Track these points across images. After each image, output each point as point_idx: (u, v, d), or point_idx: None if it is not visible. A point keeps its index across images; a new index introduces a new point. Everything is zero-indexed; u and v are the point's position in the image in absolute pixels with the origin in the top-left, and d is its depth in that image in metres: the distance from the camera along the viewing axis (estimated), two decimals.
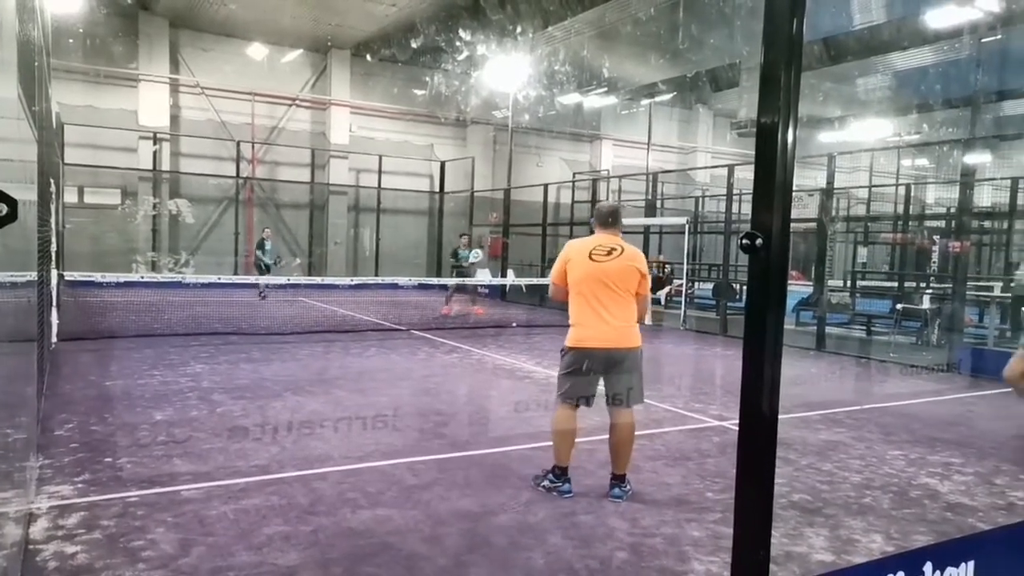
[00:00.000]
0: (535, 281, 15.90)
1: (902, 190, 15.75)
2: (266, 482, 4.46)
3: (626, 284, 4.37)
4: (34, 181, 4.65)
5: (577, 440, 4.54)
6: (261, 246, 16.12)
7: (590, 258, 4.37)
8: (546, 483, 4.49)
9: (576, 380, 4.37)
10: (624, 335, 4.36)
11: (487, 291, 17.89)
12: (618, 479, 4.48)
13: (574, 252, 4.43)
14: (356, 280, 17.01)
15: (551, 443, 4.52)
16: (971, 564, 2.16)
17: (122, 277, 13.91)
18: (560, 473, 4.46)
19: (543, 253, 18.52)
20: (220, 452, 5.05)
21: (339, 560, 3.44)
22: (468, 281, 14.78)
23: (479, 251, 14.91)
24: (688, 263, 15.70)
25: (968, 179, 11.43)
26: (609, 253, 4.37)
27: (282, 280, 14.39)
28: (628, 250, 4.42)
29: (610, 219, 4.49)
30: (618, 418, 4.42)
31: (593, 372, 4.37)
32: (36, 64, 4.71)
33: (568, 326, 4.49)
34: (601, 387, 4.46)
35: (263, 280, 15.08)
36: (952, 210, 13.44)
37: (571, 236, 20.19)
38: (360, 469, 4.80)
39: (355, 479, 4.60)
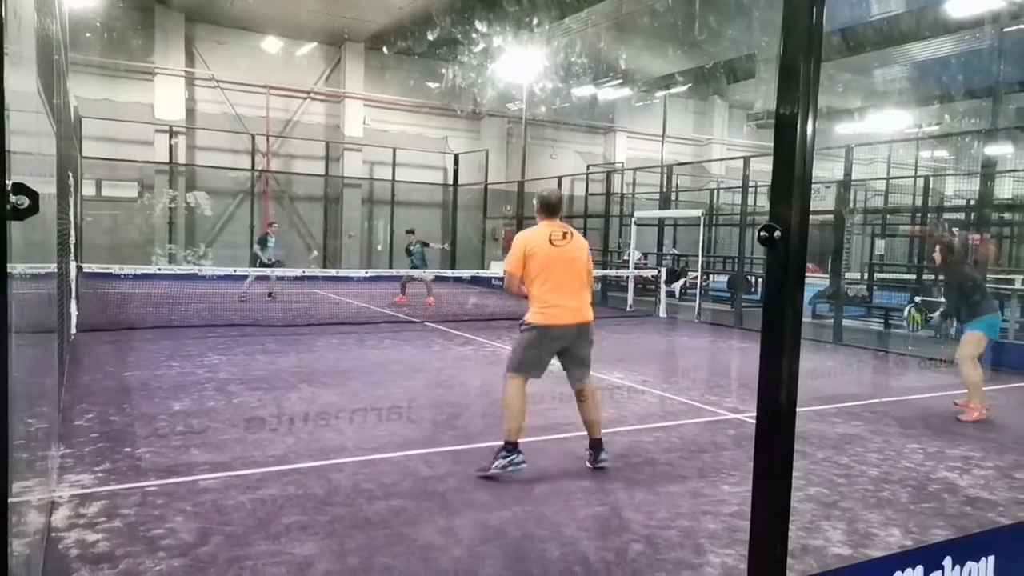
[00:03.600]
0: None
1: (921, 182, 15.56)
2: (283, 472, 4.50)
3: (581, 265, 4.72)
4: (53, 174, 4.70)
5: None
6: (263, 242, 14.49)
7: (551, 243, 4.62)
8: (499, 463, 4.50)
9: (538, 355, 4.60)
10: (586, 310, 4.68)
11: (501, 283, 17.89)
12: (598, 444, 4.72)
13: (532, 242, 4.63)
14: (370, 272, 17.07)
15: (505, 420, 4.61)
16: (991, 559, 2.14)
17: (139, 269, 14.05)
18: (512, 447, 4.54)
19: None
20: (237, 442, 5.09)
21: (355, 550, 3.46)
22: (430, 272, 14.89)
23: (423, 249, 14.74)
24: (703, 255, 15.60)
25: (989, 171, 11.28)
26: (564, 237, 4.68)
27: (296, 272, 14.42)
28: (577, 234, 4.77)
29: (558, 207, 4.79)
30: (587, 388, 4.72)
31: (554, 347, 4.61)
32: (55, 58, 4.75)
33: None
34: (555, 364, 4.71)
35: (252, 272, 13.84)
36: (972, 202, 13.27)
37: (585, 228, 20.21)
38: (375, 460, 4.83)
39: (370, 470, 4.62)
